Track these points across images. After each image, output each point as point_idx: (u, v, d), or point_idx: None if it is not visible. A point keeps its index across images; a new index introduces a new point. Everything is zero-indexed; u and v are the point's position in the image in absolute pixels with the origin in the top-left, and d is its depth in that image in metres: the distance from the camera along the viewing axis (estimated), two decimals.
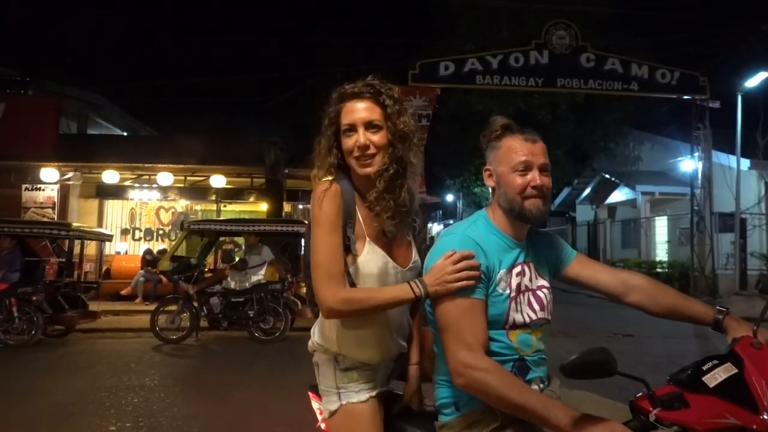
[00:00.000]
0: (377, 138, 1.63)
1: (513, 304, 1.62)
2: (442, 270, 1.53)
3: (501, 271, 1.62)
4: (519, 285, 1.64)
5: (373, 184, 1.64)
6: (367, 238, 1.65)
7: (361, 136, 1.62)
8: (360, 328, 1.65)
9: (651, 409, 1.31)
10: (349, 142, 1.64)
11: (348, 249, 1.61)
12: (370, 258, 1.64)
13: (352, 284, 1.63)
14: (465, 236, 1.61)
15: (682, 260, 14.96)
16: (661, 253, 17.95)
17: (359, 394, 1.70)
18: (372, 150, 1.63)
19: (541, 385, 1.61)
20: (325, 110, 1.69)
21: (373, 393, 1.74)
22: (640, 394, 1.38)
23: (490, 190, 1.74)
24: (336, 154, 1.68)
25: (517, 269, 1.66)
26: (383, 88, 1.67)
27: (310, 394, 2.06)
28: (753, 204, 14.59)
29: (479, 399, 1.53)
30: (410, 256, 1.73)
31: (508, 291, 1.62)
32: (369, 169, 1.63)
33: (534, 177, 1.60)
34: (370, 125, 1.63)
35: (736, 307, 11.03)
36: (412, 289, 1.56)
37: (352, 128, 1.63)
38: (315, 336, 1.77)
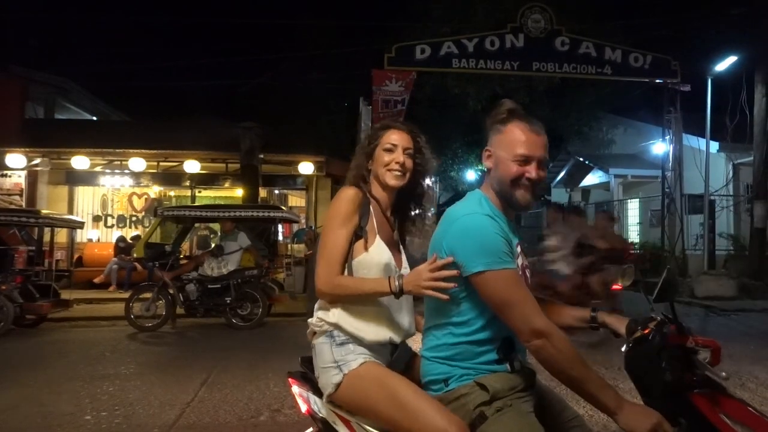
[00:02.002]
0: (409, 162, 2.00)
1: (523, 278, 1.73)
2: (420, 274, 1.70)
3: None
4: (522, 262, 1.76)
5: (390, 199, 2.01)
6: (378, 236, 1.93)
7: (400, 156, 1.98)
8: (357, 306, 1.86)
9: (688, 336, 1.56)
10: (387, 157, 1.97)
11: (359, 236, 1.88)
12: (379, 251, 1.90)
13: (351, 274, 1.86)
14: (486, 216, 1.65)
15: (653, 241, 15.28)
16: (634, 235, 18.30)
17: (357, 361, 1.82)
18: (405, 168, 1.98)
19: (521, 361, 1.68)
20: (369, 133, 2.07)
21: (371, 360, 1.85)
22: (648, 330, 1.66)
23: (479, 174, 1.80)
24: (367, 167, 2.02)
25: (518, 248, 1.76)
26: (416, 130, 2.08)
27: (289, 380, 2.06)
28: (721, 186, 14.94)
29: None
30: (402, 263, 2.00)
31: (520, 265, 1.72)
32: (398, 182, 1.98)
33: (531, 169, 1.68)
34: (406, 150, 1.99)
35: (705, 286, 11.40)
36: (390, 284, 1.76)
37: (394, 147, 1.98)
38: (315, 314, 1.93)
